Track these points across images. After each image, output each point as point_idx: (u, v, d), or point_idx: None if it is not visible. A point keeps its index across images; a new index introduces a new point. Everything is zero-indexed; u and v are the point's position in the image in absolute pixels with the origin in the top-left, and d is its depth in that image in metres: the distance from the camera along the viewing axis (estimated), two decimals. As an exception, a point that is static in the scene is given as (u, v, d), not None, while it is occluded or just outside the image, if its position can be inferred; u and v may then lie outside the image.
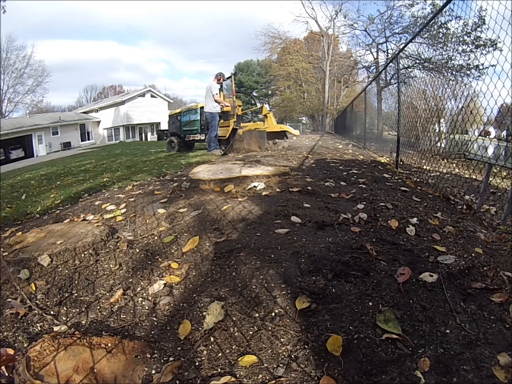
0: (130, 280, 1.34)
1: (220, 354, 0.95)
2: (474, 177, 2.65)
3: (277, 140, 5.74)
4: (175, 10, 71.23)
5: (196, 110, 6.87)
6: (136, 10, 72.42)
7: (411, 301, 1.07)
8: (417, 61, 11.13)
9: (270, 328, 1.02)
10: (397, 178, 3.18)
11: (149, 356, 0.94)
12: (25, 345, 0.99)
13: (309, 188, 2.39)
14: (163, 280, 1.30)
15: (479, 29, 10.88)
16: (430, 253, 1.37)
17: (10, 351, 0.95)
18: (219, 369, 0.90)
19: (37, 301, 1.22)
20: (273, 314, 1.06)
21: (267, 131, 5.59)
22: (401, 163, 3.92)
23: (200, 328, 1.04)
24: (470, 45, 11.43)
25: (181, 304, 1.17)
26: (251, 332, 1.01)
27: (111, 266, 1.45)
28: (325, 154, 4.83)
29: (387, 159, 4.65)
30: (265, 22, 31.76)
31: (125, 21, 73.98)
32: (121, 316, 1.14)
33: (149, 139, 25.30)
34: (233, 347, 0.97)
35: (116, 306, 1.19)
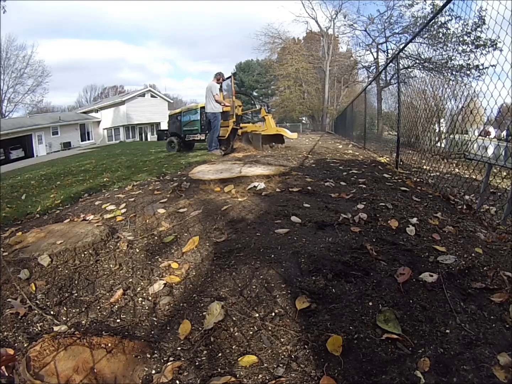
0: (130, 280, 1.34)
1: (220, 354, 0.95)
2: (474, 177, 2.64)
3: (274, 144, 5.75)
4: (181, 10, 71.44)
5: (196, 110, 6.86)
6: (144, 10, 72.71)
7: (411, 301, 1.07)
8: (417, 61, 11.14)
9: (270, 328, 1.02)
10: (397, 178, 3.18)
11: (149, 356, 0.94)
12: (25, 345, 0.99)
13: (309, 188, 2.39)
14: (163, 280, 1.30)
15: (479, 29, 10.89)
16: (430, 253, 1.37)
17: (10, 351, 0.95)
18: (219, 369, 0.89)
19: (37, 301, 1.22)
20: (273, 314, 1.06)
21: (263, 134, 5.58)
22: (401, 163, 3.92)
23: (200, 328, 1.04)
24: (470, 45, 11.44)
25: (181, 304, 1.17)
26: (251, 332, 1.01)
27: (111, 266, 1.45)
28: (325, 154, 4.83)
29: (387, 159, 4.64)
30: (268, 22, 31.85)
31: (133, 21, 74.16)
32: (121, 316, 1.14)
33: (149, 139, 25.29)
34: (233, 347, 0.97)
35: (116, 306, 1.19)
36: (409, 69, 10.51)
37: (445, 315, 1.01)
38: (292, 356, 0.91)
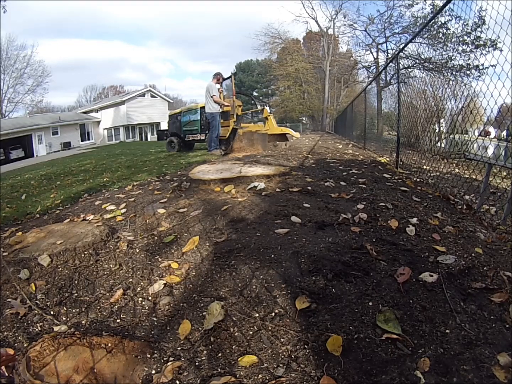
0: (130, 280, 1.34)
1: (220, 354, 0.95)
2: (474, 177, 2.64)
3: (278, 143, 5.76)
4: (181, 10, 71.58)
5: (196, 110, 6.87)
6: (145, 10, 72.94)
7: (411, 301, 1.07)
8: (417, 61, 11.14)
9: (270, 328, 1.01)
10: (397, 178, 3.18)
11: (149, 356, 0.94)
12: (25, 345, 0.99)
13: (309, 188, 2.39)
14: (163, 280, 1.30)
15: (479, 29, 10.90)
16: (430, 253, 1.37)
17: (10, 351, 0.95)
18: (219, 369, 0.89)
19: (37, 301, 1.22)
20: (273, 314, 1.06)
21: (269, 134, 5.60)
22: (401, 163, 3.92)
23: (200, 328, 1.04)
24: (470, 45, 11.45)
25: (181, 304, 1.17)
26: (251, 332, 1.01)
27: (111, 266, 1.45)
28: (325, 154, 4.83)
29: (387, 159, 4.64)
30: (268, 22, 31.91)
31: (134, 21, 74.33)
32: (121, 316, 1.14)
33: (149, 139, 25.29)
34: (233, 347, 0.97)
35: (116, 306, 1.19)
36: (409, 69, 10.51)
37: (445, 315, 1.01)
38: (292, 356, 0.91)
